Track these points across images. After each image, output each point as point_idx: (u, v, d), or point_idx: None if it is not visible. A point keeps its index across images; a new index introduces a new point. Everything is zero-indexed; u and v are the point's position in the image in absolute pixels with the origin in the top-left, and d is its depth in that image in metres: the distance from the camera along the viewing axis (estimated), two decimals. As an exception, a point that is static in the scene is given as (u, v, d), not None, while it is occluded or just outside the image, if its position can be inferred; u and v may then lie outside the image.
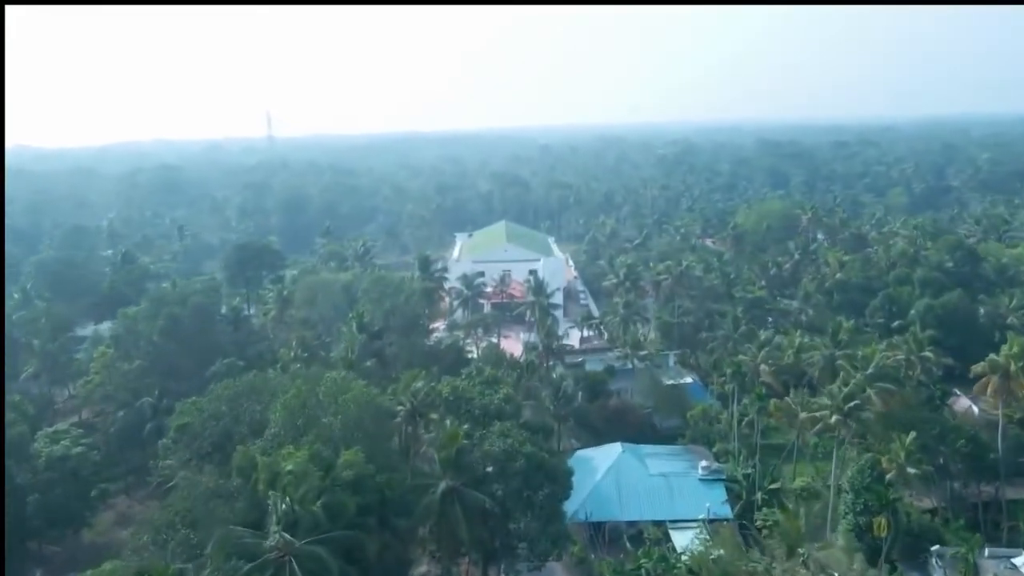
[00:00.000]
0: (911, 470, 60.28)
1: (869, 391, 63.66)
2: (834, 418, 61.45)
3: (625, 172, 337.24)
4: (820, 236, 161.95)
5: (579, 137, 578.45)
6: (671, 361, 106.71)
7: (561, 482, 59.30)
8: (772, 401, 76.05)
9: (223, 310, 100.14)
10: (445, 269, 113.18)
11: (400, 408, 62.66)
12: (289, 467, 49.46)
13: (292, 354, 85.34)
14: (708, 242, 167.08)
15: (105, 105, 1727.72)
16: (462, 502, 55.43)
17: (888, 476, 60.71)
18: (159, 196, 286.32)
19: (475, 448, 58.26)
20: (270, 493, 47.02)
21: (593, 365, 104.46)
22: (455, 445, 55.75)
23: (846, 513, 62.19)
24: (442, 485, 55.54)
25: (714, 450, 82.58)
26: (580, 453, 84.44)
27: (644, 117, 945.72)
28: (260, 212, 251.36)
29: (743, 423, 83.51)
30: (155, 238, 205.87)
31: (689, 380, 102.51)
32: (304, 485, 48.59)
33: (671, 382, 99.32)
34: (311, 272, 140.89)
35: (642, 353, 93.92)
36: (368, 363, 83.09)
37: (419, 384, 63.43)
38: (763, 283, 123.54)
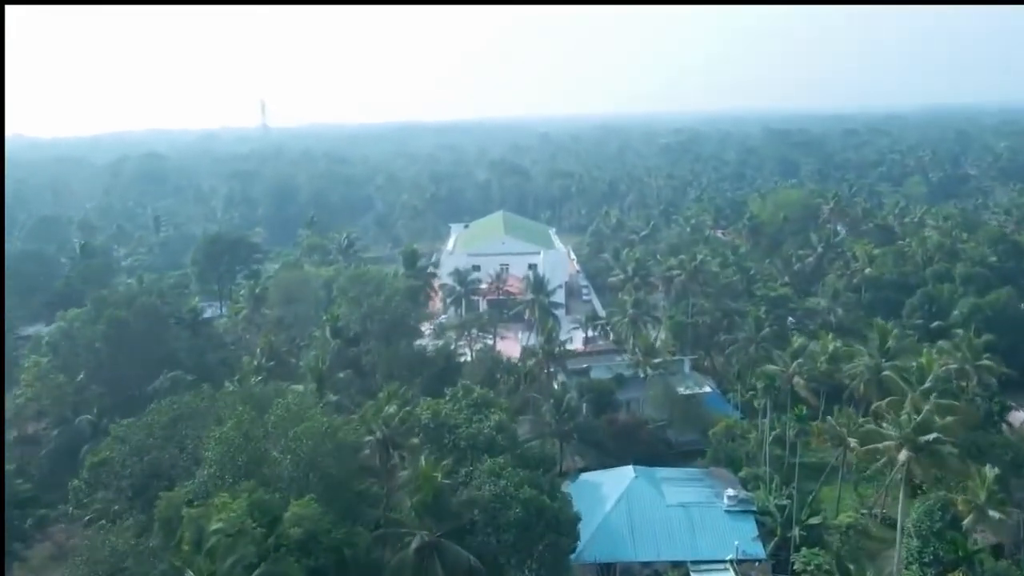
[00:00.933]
0: (994, 514, 49.20)
1: (940, 419, 52.01)
2: (904, 454, 50.13)
3: (628, 161, 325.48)
4: (839, 228, 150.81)
5: (580, 127, 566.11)
6: (686, 367, 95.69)
7: (566, 532, 48.39)
8: (814, 424, 64.81)
9: (184, 311, 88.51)
10: (435, 264, 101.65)
11: (369, 438, 51.61)
12: (218, 525, 38.58)
13: (255, 363, 74.39)
14: (719, 234, 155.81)
15: (103, 95, 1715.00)
16: (442, 558, 44.56)
17: (965, 522, 49.71)
18: (143, 185, 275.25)
19: (460, 489, 47.31)
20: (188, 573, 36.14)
21: (599, 372, 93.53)
22: (432, 487, 44.78)
23: (910, 563, 51.39)
24: (417, 538, 44.59)
25: (740, 475, 71.62)
26: (586, 477, 73.57)
27: (644, 107, 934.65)
28: (247, 202, 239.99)
29: (770, 438, 72.90)
30: (134, 230, 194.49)
31: (708, 389, 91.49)
32: (236, 551, 37.74)
33: (687, 391, 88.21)
34: (293, 267, 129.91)
35: (656, 361, 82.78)
36: (342, 374, 72.29)
37: (392, 408, 52.31)
38: (786, 279, 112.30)
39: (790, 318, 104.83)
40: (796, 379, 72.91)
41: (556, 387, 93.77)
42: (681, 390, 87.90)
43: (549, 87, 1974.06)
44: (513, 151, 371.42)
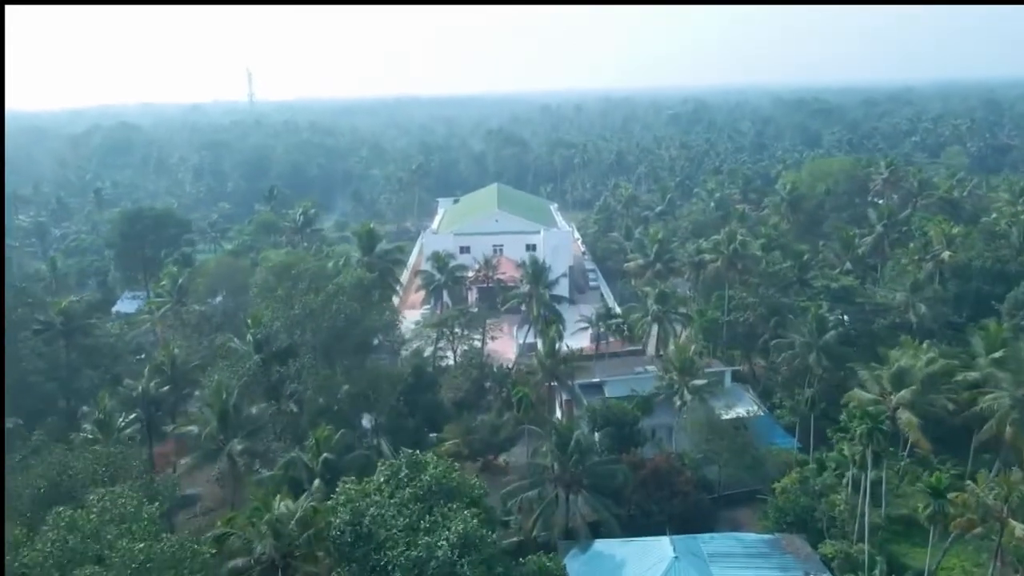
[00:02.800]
0: None
1: None
2: None
3: (635, 132, 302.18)
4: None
5: (582, 99, 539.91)
6: (727, 379, 74.36)
7: None
8: (956, 495, 43.44)
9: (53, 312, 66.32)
10: (399, 250, 79.14)
11: (237, 561, 30.33)
12: None
13: (139, 390, 53.06)
14: (744, 209, 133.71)
15: (96, 69, 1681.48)
16: None
17: None
18: (109, 157, 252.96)
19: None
20: None
21: (616, 388, 72.40)
22: None
23: None
24: None
25: (822, 550, 50.68)
26: (601, 548, 52.62)
27: (646, 81, 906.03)
28: (217, 174, 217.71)
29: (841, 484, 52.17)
30: (82, 205, 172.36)
31: (759, 412, 70.40)
32: None
33: (733, 415, 66.80)
34: (239, 251, 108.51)
35: (698, 383, 61.23)
36: (255, 409, 50.97)
37: (284, 506, 30.96)
38: (848, 266, 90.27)
39: (842, 315, 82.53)
40: (902, 413, 51.56)
41: (560, 409, 72.96)
42: (724, 414, 66.60)
43: (548, 61, 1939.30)
44: (512, 123, 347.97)
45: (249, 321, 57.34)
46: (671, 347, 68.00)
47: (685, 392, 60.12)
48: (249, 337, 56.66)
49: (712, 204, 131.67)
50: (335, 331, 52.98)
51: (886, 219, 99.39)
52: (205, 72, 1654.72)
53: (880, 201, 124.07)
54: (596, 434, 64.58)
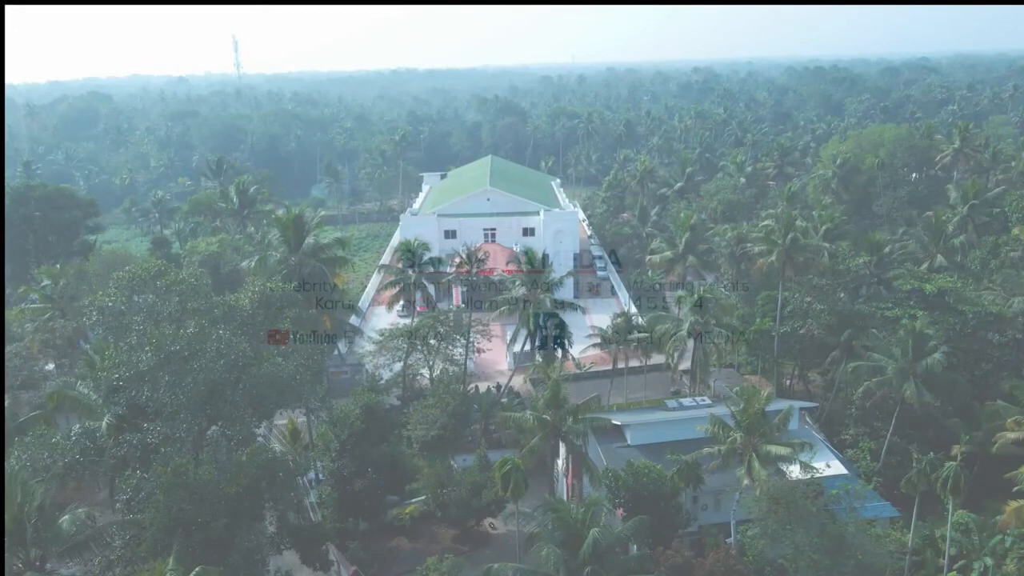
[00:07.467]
0: None
1: None
2: None
3: (643, 102, 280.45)
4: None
5: (584, 72, 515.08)
6: (794, 420, 54.32)
7: None
8: None
9: None
10: (340, 244, 58.47)
11: None
12: None
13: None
14: (791, 187, 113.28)
15: (87, 42, 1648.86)
16: None
17: None
18: (71, 130, 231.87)
19: None
20: None
21: (640, 434, 52.94)
22: None
23: None
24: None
25: None
26: None
27: (646, 56, 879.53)
28: (184, 147, 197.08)
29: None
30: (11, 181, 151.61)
31: (843, 470, 50.84)
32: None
33: (806, 473, 46.58)
34: (188, 236, 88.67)
35: (776, 450, 41.07)
36: (81, 511, 31.34)
37: None
38: (941, 260, 69.67)
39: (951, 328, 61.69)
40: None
41: (562, 463, 53.38)
42: (795, 472, 46.46)
43: (547, 34, 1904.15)
44: (511, 93, 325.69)
45: (96, 357, 37.66)
46: (734, 391, 48.23)
47: (755, 462, 40.22)
48: (90, 382, 36.85)
49: (743, 180, 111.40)
50: (212, 385, 32.98)
51: (972, 198, 79.18)
52: (200, 45, 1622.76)
53: (943, 175, 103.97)
54: (617, 510, 45.35)
